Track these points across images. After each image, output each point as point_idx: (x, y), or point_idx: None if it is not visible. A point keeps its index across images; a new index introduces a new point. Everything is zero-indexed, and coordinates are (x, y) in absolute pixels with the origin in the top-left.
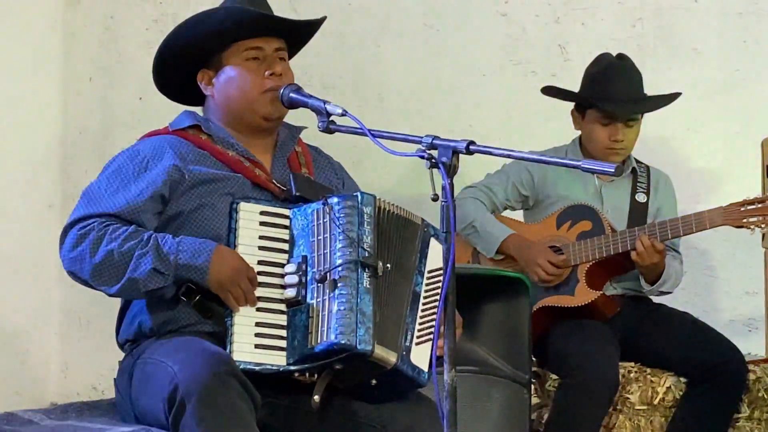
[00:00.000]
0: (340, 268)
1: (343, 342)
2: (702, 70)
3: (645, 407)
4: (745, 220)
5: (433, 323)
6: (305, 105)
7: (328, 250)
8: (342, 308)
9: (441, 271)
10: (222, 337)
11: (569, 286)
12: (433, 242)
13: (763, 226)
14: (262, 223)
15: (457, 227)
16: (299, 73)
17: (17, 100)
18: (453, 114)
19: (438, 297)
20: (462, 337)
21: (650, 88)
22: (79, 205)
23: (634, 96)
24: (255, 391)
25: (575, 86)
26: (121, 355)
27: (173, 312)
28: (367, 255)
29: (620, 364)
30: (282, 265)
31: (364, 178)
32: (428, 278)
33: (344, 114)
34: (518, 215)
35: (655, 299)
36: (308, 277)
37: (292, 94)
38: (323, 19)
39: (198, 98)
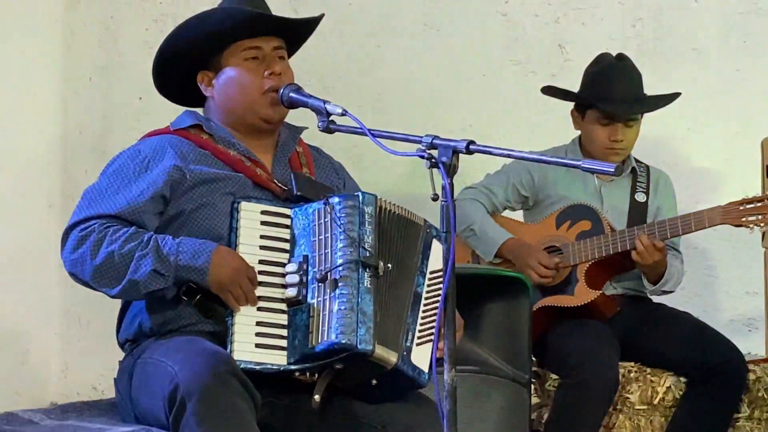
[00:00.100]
0: (340, 268)
1: (343, 342)
2: (702, 70)
3: (645, 407)
4: (744, 219)
5: (434, 324)
6: (305, 105)
7: (329, 250)
8: (343, 308)
9: (442, 272)
10: (222, 336)
11: (569, 286)
12: (435, 243)
13: (762, 225)
14: (263, 223)
15: (456, 228)
16: (299, 73)
17: (17, 100)
18: (453, 114)
19: (439, 298)
20: (462, 338)
21: (650, 88)
22: (79, 206)
23: (633, 96)
24: (255, 390)
25: (575, 86)
26: (121, 355)
27: (173, 312)
28: (368, 255)
29: (620, 363)
30: (283, 265)
31: (364, 178)
32: (430, 279)
33: (344, 114)
34: (518, 215)
35: (655, 299)
36: (309, 277)
37: (292, 94)
38: (321, 17)
39: (198, 99)
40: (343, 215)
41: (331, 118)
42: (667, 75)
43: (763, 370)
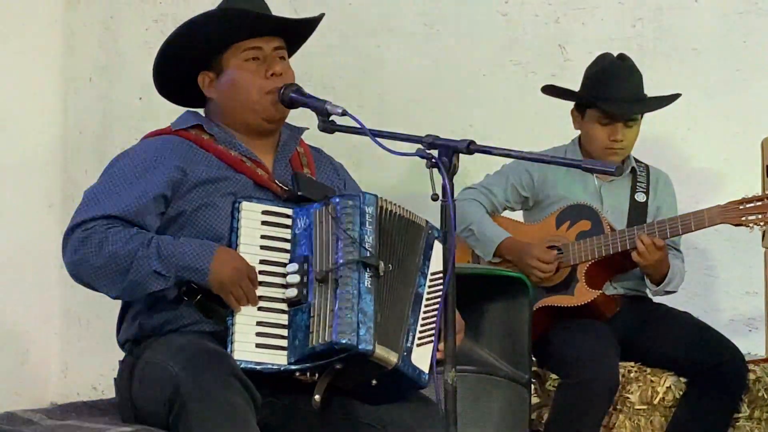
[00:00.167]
0: (341, 268)
1: (344, 341)
2: (702, 70)
3: (645, 407)
4: (744, 219)
5: (435, 325)
6: (305, 105)
7: (330, 250)
8: (343, 308)
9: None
10: (223, 336)
11: (569, 285)
12: (436, 245)
13: (762, 224)
14: (264, 223)
15: (455, 229)
16: (299, 73)
17: (17, 100)
18: (453, 114)
19: (440, 299)
20: (462, 338)
21: (650, 88)
22: (81, 207)
23: (634, 96)
24: (256, 390)
25: (575, 86)
26: (121, 354)
27: (174, 312)
28: (368, 255)
29: (620, 363)
30: (284, 265)
31: (364, 178)
32: (431, 280)
33: (344, 114)
34: (518, 215)
35: (655, 299)
36: (310, 277)
37: (292, 94)
38: (321, 16)
39: (198, 99)
40: (343, 215)
41: (331, 118)
42: (667, 75)
43: (763, 370)
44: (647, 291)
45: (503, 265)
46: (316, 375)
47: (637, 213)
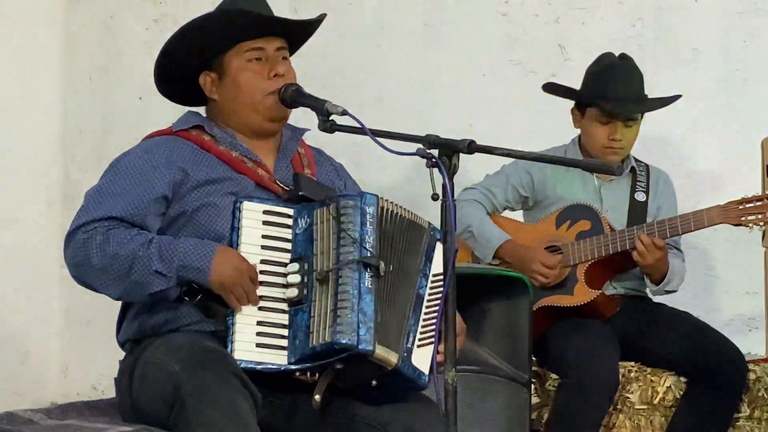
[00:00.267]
0: (341, 268)
1: (344, 341)
2: (702, 70)
3: (645, 407)
4: (743, 218)
5: (436, 326)
6: (305, 105)
7: (331, 250)
8: (343, 308)
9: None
10: (223, 336)
11: (569, 285)
12: (438, 246)
13: (761, 224)
14: (265, 222)
15: (456, 229)
16: (299, 73)
17: (17, 100)
18: (453, 114)
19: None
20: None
21: (650, 88)
22: (82, 209)
23: (634, 96)
24: (256, 390)
25: (575, 86)
26: (122, 354)
27: (174, 311)
28: (369, 255)
29: (620, 363)
30: (284, 265)
31: (365, 177)
32: (432, 282)
33: (344, 113)
34: (518, 215)
35: (656, 299)
36: (310, 277)
37: (292, 94)
38: (323, 17)
39: (199, 99)
40: (344, 215)
41: (331, 118)
42: (668, 75)
43: (763, 370)
44: (647, 291)
45: (503, 266)
46: (317, 375)
47: (637, 213)
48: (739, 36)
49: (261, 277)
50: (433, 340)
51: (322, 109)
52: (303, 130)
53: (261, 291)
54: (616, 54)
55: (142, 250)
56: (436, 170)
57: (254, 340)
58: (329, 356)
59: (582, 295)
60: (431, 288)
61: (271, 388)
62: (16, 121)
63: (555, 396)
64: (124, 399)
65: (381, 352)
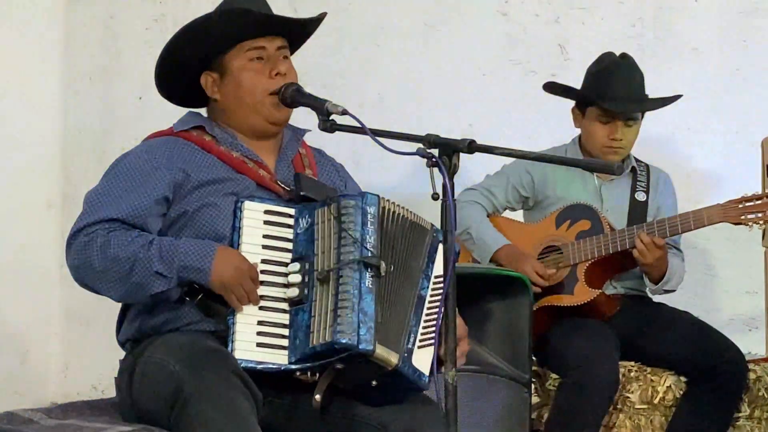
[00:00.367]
0: (342, 268)
1: (344, 341)
2: (702, 70)
3: (645, 406)
4: (743, 217)
5: (437, 328)
6: (306, 104)
7: (331, 250)
8: (344, 307)
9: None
10: (223, 335)
11: (569, 285)
12: (441, 248)
13: (761, 223)
14: (266, 222)
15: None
16: (299, 73)
17: (17, 100)
18: (453, 114)
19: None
20: None
21: (650, 88)
22: (83, 211)
23: (635, 95)
24: (257, 389)
25: (575, 86)
26: (122, 354)
27: (174, 311)
28: (369, 255)
29: (620, 363)
30: (285, 264)
31: (365, 177)
32: (434, 283)
33: (344, 113)
34: (518, 215)
35: (656, 298)
36: (311, 276)
37: (292, 94)
38: (323, 15)
39: (199, 100)
40: (345, 215)
41: (331, 118)
42: (667, 75)
43: (763, 370)
44: (647, 290)
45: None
46: (317, 375)
47: (637, 212)
48: (739, 36)
49: (262, 277)
50: (434, 341)
51: (322, 109)
52: (304, 131)
53: (262, 291)
54: (617, 54)
55: (142, 252)
56: (436, 170)
57: (255, 340)
58: (330, 356)
59: (582, 294)
60: (433, 289)
61: (272, 387)
62: (16, 121)
63: (555, 396)
64: (124, 398)
65: (381, 352)
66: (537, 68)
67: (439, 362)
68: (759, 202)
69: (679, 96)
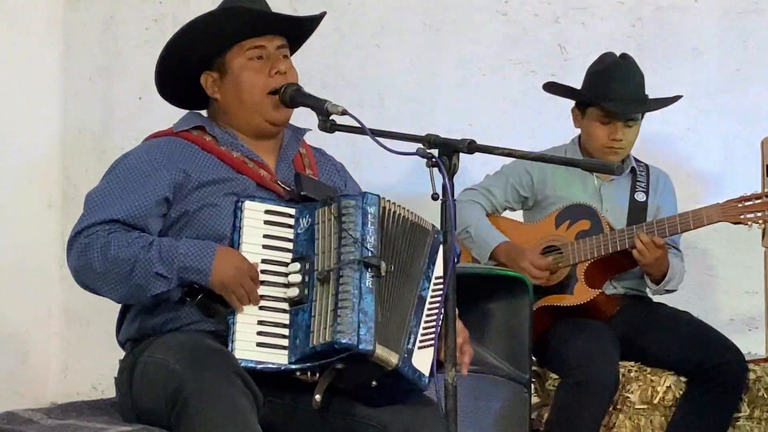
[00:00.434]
0: (342, 268)
1: (344, 341)
2: (702, 70)
3: (645, 406)
4: (742, 216)
5: (437, 328)
6: (305, 104)
7: (332, 250)
8: (344, 307)
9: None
10: (223, 335)
11: (568, 285)
12: (442, 249)
13: (760, 222)
14: (266, 222)
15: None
16: (299, 73)
17: (17, 100)
18: (453, 114)
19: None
20: None
21: (650, 88)
22: (83, 213)
23: (635, 96)
24: (257, 389)
25: (575, 86)
26: (122, 354)
27: (174, 311)
28: (370, 255)
29: (620, 363)
30: (285, 264)
31: (365, 177)
32: (435, 284)
33: (344, 113)
34: (518, 215)
35: (655, 298)
36: (311, 276)
37: (292, 94)
38: (323, 14)
39: (201, 103)
40: (346, 215)
41: (331, 118)
42: (667, 75)
43: (763, 370)
44: (647, 290)
45: (501, 266)
46: (317, 375)
47: (637, 213)
48: (739, 36)
49: (262, 277)
50: (434, 342)
51: (322, 109)
52: (304, 130)
53: (262, 290)
54: (617, 54)
55: (142, 253)
56: (436, 170)
57: (255, 340)
58: (330, 356)
59: (582, 294)
60: (433, 290)
61: (272, 387)
62: (16, 121)
63: (555, 396)
64: (124, 398)
65: (381, 352)
66: (537, 68)
67: (439, 365)
68: (758, 201)
69: (679, 96)
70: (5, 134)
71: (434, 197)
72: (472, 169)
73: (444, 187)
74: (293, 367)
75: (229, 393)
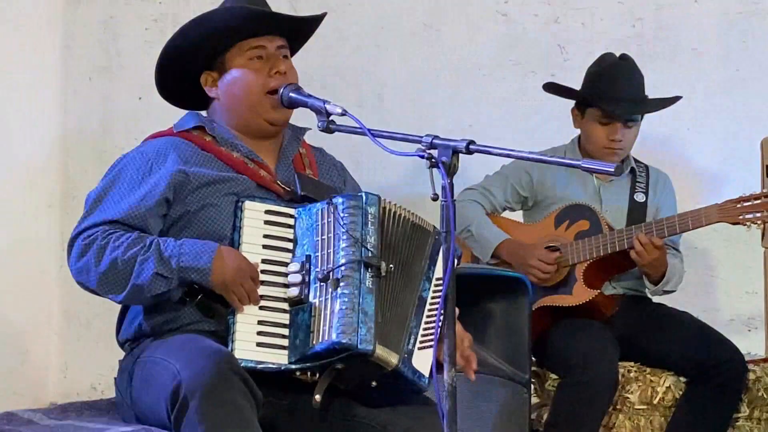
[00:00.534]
0: (342, 268)
1: (344, 341)
2: (702, 70)
3: (645, 407)
4: (741, 217)
5: (437, 329)
6: (305, 105)
7: (332, 250)
8: (344, 307)
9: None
10: (223, 335)
11: (567, 285)
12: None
13: (759, 222)
14: (266, 222)
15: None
16: (299, 73)
17: (17, 100)
18: (453, 114)
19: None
20: None
21: (650, 88)
22: (83, 213)
23: (635, 97)
24: (257, 389)
25: (575, 86)
26: (121, 354)
27: (174, 311)
28: (370, 255)
29: (620, 363)
30: (286, 264)
31: (365, 177)
32: (435, 285)
33: (344, 113)
34: (518, 215)
35: (655, 299)
36: (311, 276)
37: (291, 94)
38: (324, 15)
39: (201, 104)
40: (346, 215)
41: (331, 118)
42: (667, 75)
43: (763, 370)
44: (646, 291)
45: (501, 266)
46: (317, 375)
47: (637, 213)
48: (739, 36)
49: (262, 277)
50: (434, 342)
51: (321, 109)
52: (304, 130)
53: (262, 290)
54: (617, 54)
55: (142, 254)
56: (435, 170)
57: (255, 340)
58: (329, 356)
59: (581, 294)
60: (434, 291)
61: (272, 387)
62: (16, 121)
63: (555, 396)
64: (123, 399)
65: (381, 352)
66: (537, 68)
67: (438, 366)
68: (757, 201)
69: (678, 97)
70: (5, 134)
71: (434, 198)
72: (472, 169)
73: (444, 187)
74: (293, 367)
75: (230, 393)
